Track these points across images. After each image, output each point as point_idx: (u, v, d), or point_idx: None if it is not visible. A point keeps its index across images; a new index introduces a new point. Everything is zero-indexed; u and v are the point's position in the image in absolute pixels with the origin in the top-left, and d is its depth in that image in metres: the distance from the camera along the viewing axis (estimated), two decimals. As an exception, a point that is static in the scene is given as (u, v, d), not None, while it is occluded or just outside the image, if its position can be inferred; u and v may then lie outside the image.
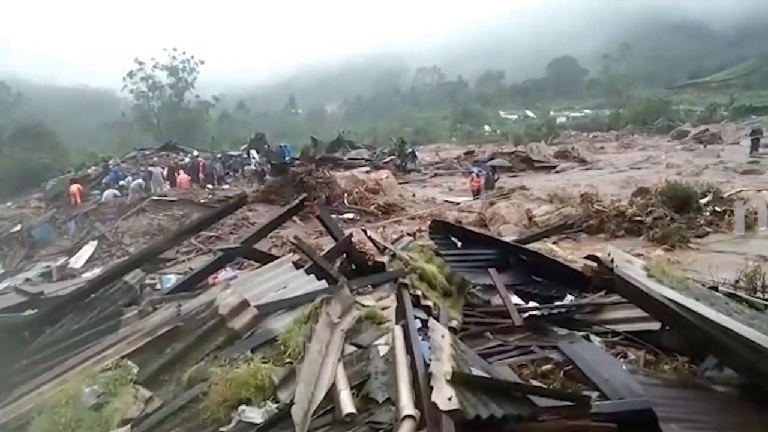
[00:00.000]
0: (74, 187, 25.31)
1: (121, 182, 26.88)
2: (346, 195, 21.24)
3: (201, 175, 29.76)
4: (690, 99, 67.74)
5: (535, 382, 4.31)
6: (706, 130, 38.92)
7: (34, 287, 9.94)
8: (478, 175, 23.89)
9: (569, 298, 6.39)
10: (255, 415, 3.54)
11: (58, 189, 27.95)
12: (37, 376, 4.54)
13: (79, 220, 21.39)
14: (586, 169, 28.90)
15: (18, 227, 21.34)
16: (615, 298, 5.60)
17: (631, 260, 4.44)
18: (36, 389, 4.37)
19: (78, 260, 16.62)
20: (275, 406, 3.59)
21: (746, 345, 3.46)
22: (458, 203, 21.83)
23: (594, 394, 3.94)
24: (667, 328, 4.77)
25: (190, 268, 11.34)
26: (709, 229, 13.66)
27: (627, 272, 4.00)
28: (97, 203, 23.73)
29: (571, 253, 11.95)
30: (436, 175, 31.46)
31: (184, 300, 5.28)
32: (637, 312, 5.08)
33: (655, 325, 5.01)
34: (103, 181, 28.26)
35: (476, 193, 22.69)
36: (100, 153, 39.50)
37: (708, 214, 14.38)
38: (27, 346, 5.09)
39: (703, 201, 15.01)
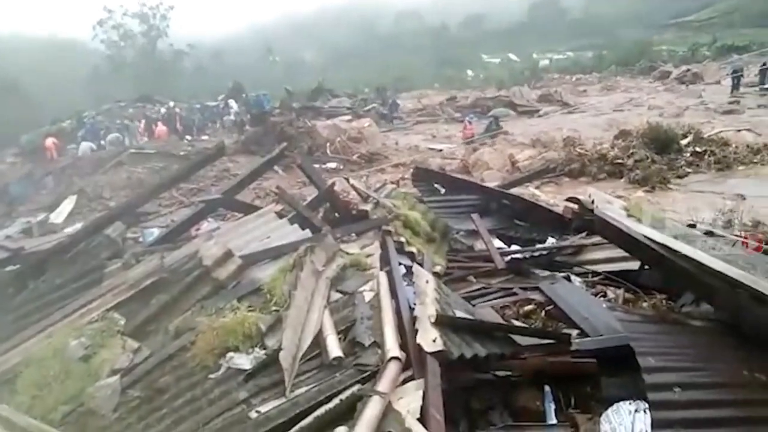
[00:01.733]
0: (49, 141, 24.73)
1: (100, 138, 26.24)
2: (328, 144, 21.00)
3: (179, 127, 29.14)
4: (672, 39, 66.92)
5: (517, 323, 4.42)
6: (688, 70, 38.72)
7: (15, 243, 9.83)
8: (470, 123, 23.31)
9: (551, 241, 6.49)
10: (243, 361, 3.59)
11: (33, 144, 27.23)
12: (22, 331, 4.54)
13: (56, 175, 20.98)
14: (569, 112, 28.71)
15: (-6, 184, 20.92)
16: (595, 239, 5.70)
17: (610, 201, 4.50)
18: (22, 343, 4.38)
19: (58, 215, 16.38)
20: (263, 352, 3.65)
21: (723, 280, 3.55)
22: (441, 150, 21.72)
23: (574, 332, 4.05)
24: (646, 267, 4.88)
25: (173, 221, 11.26)
26: (689, 170, 13.83)
27: (607, 212, 4.04)
28: (74, 158, 23.24)
29: (553, 197, 12.04)
30: (418, 122, 31.13)
31: (167, 252, 5.27)
32: (617, 252, 5.18)
33: (635, 265, 5.12)
34: (79, 134, 27.52)
35: (469, 140, 21.77)
36: (74, 106, 38.32)
37: (688, 154, 14.53)
38: (11, 302, 5.06)
39: (684, 142, 15.13)
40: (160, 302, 4.39)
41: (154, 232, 9.73)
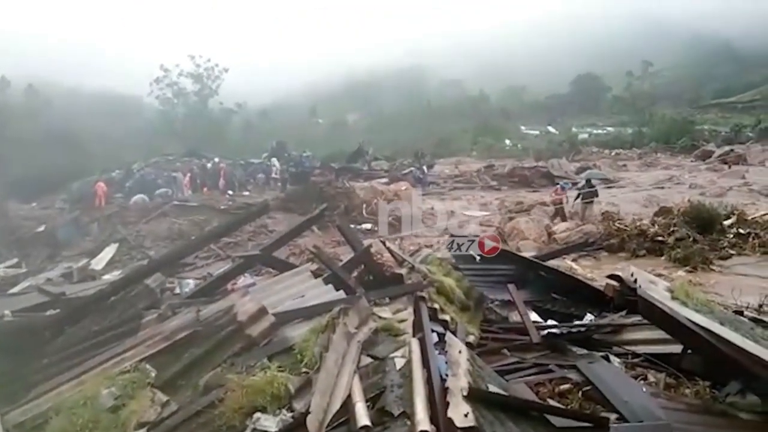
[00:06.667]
0: (99, 186, 25.80)
1: (147, 189, 27.09)
2: (364, 205, 21.30)
3: (222, 182, 30.06)
4: (714, 119, 66.78)
5: (552, 402, 4.25)
6: (731, 150, 38.32)
7: (56, 287, 10.08)
8: (563, 188, 21.26)
9: (589, 317, 6.31)
10: (270, 423, 3.53)
11: (82, 191, 28.37)
12: (56, 376, 4.60)
13: (101, 223, 21.69)
14: (608, 187, 28.59)
15: (42, 228, 21.71)
16: (636, 318, 5.52)
17: (654, 281, 4.38)
18: (55, 389, 4.42)
19: (99, 262, 16.84)
20: (290, 415, 3.59)
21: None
22: (477, 217, 21.74)
23: (612, 416, 3.87)
24: (690, 351, 4.69)
25: (209, 274, 11.43)
26: (732, 252, 13.42)
27: (651, 293, 3.94)
28: (120, 206, 24.05)
29: (590, 272, 11.82)
30: (455, 188, 31.40)
31: (203, 305, 5.32)
32: (658, 334, 5.01)
33: (677, 348, 4.93)
34: (127, 185, 28.62)
35: (558, 207, 19.82)
36: (125, 157, 40.01)
37: (732, 236, 14.13)
38: (47, 346, 5.15)
39: (727, 223, 14.76)
40: (192, 356, 4.40)
41: (190, 283, 9.90)
